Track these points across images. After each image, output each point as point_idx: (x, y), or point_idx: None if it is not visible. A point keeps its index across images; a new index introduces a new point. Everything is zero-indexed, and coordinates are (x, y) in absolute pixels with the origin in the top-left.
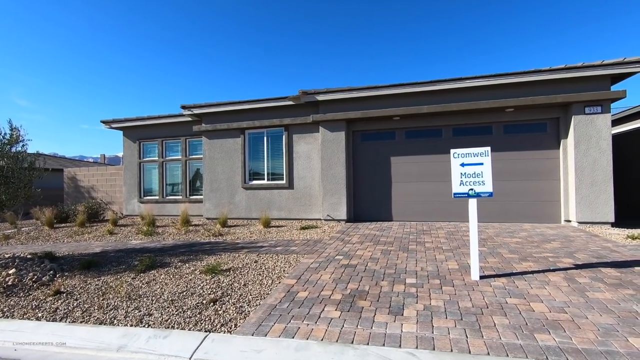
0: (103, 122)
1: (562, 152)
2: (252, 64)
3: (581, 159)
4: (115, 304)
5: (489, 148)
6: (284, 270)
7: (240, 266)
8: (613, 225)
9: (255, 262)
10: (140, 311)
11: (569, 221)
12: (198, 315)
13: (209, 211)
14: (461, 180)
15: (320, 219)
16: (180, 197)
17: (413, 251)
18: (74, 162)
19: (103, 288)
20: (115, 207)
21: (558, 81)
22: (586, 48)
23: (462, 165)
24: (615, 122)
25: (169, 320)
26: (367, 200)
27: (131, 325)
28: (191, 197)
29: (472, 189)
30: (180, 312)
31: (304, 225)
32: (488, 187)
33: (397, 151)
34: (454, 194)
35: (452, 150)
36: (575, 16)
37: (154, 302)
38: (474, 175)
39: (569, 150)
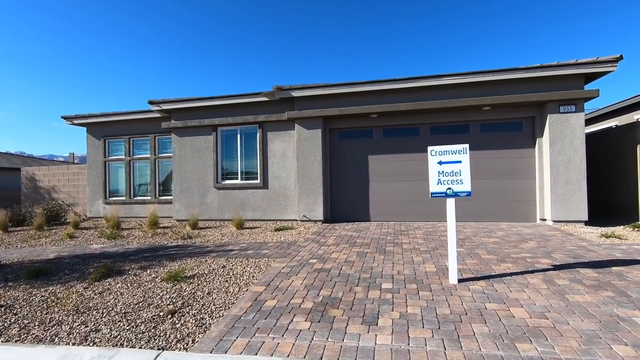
0: (64, 117)
1: (537, 150)
2: (246, 66)
3: (556, 158)
4: (60, 318)
5: (467, 145)
6: (253, 276)
7: (206, 272)
8: (587, 223)
9: (223, 267)
10: (87, 326)
11: (544, 220)
12: (152, 330)
13: (179, 212)
14: (439, 179)
15: (296, 220)
16: (149, 197)
17: (390, 253)
18: (38, 161)
19: (49, 300)
20: (78, 208)
21: (533, 80)
22: (590, 42)
23: (440, 163)
24: (589, 122)
25: (119, 337)
26: (345, 200)
27: (74, 344)
28: (161, 197)
29: (450, 188)
30: (133, 326)
31: (279, 227)
32: (466, 187)
33: (374, 150)
34: (432, 193)
35: (430, 148)
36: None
37: (104, 315)
38: (451, 174)
39: (544, 149)
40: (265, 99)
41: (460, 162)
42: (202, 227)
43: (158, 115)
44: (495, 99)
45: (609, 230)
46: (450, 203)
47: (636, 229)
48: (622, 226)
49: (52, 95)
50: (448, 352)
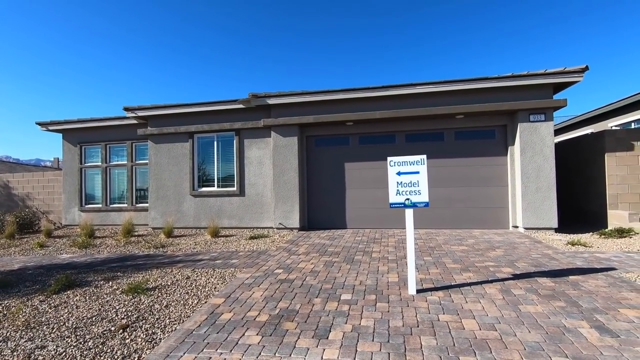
0: (39, 124)
1: (509, 158)
2: (233, 73)
3: (526, 166)
4: (8, 334)
5: (424, 156)
6: (215, 288)
7: (169, 283)
8: (557, 230)
9: (187, 278)
10: (33, 343)
11: (517, 227)
12: (100, 346)
13: (155, 220)
14: (397, 190)
15: (272, 228)
16: (126, 205)
17: (357, 262)
18: (24, 166)
19: (0, 315)
20: (53, 216)
21: (504, 89)
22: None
23: (399, 174)
24: (567, 129)
25: (64, 354)
26: (321, 208)
27: None
28: (137, 205)
29: (408, 199)
30: (81, 342)
31: (254, 235)
32: (424, 197)
33: (351, 157)
34: (390, 204)
35: (389, 158)
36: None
37: (54, 330)
38: (410, 185)
39: (516, 156)
40: (241, 106)
41: (418, 172)
42: (177, 235)
43: (135, 121)
44: (467, 107)
45: (575, 237)
46: (409, 213)
47: (603, 235)
48: (590, 233)
49: (41, 99)
50: None
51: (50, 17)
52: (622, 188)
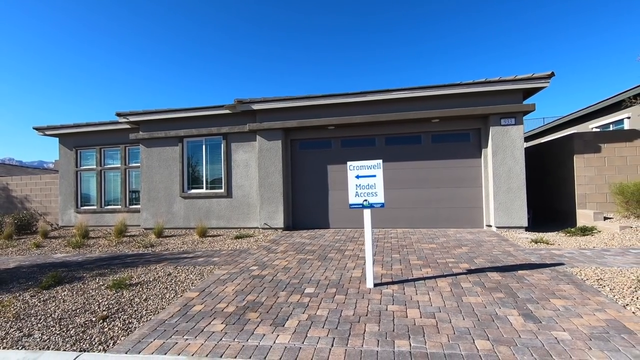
0: (36, 128)
1: (483, 160)
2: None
3: (498, 167)
4: None
5: (380, 161)
6: (192, 283)
7: (151, 279)
8: (527, 229)
9: (168, 275)
10: (21, 332)
11: (490, 226)
12: (81, 334)
13: (147, 221)
14: (356, 192)
15: (258, 228)
16: (120, 206)
17: (329, 259)
18: (17, 169)
19: None
20: (50, 217)
21: (477, 94)
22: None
23: (357, 177)
24: (545, 133)
25: (48, 341)
26: (305, 208)
27: (4, 348)
28: (131, 206)
29: (366, 200)
30: (64, 331)
31: (240, 235)
32: (380, 199)
33: (333, 159)
34: (350, 204)
35: (348, 163)
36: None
37: (40, 321)
38: (367, 187)
39: (489, 158)
40: (227, 111)
41: (375, 176)
42: (167, 236)
43: (128, 126)
44: (442, 112)
45: (542, 235)
46: (367, 213)
47: (568, 234)
48: (557, 232)
49: (43, 101)
50: (332, 349)
51: (52, 15)
52: (590, 188)
